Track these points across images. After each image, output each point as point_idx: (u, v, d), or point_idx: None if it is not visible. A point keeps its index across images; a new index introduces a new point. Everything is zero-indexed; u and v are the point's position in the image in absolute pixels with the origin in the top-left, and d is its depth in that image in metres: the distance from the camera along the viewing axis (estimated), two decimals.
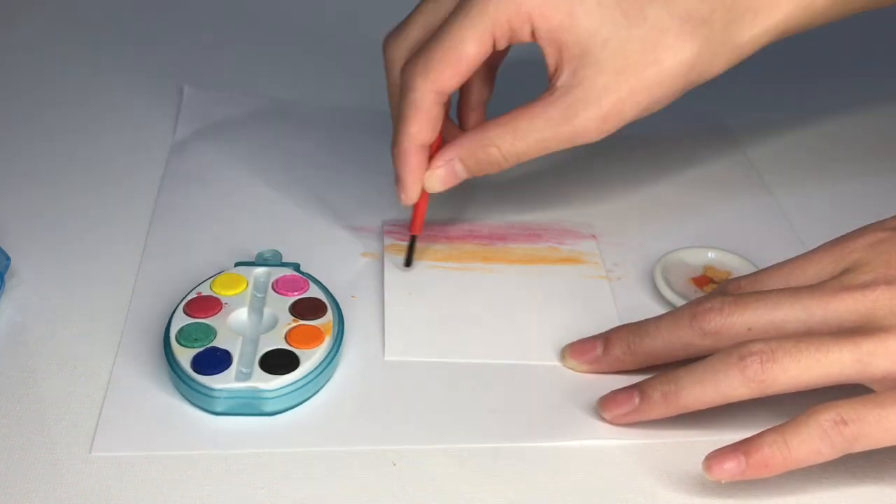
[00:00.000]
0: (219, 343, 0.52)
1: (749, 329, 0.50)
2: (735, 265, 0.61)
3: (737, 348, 0.48)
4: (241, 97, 0.76)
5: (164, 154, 0.70)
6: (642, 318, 0.54)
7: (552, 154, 0.57)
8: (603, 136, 0.56)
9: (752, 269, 0.59)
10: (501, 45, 0.56)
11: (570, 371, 0.55)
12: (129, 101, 0.76)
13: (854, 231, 0.52)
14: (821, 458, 0.46)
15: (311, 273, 0.57)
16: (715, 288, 0.57)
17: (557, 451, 0.51)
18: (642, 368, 0.54)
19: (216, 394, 0.50)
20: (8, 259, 0.58)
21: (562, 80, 0.55)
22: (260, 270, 0.57)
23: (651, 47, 0.55)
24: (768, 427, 0.47)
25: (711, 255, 0.62)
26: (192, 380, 0.51)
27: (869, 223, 0.53)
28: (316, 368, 0.52)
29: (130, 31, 0.85)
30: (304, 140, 0.72)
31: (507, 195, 0.67)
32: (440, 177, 0.58)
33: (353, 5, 0.87)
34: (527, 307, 0.59)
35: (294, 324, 0.54)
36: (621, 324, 0.55)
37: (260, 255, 0.59)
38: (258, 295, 0.56)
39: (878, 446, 0.47)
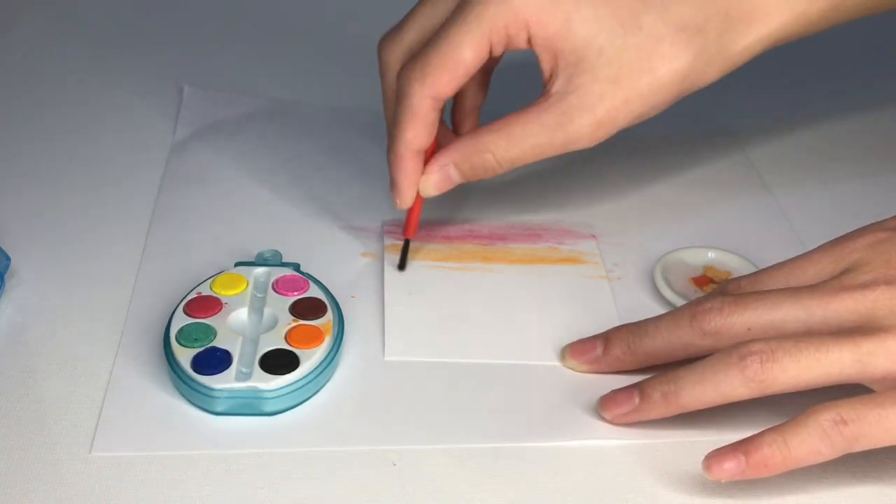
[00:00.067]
0: (219, 343, 0.52)
1: (749, 329, 0.50)
2: (735, 265, 0.61)
3: (737, 348, 0.48)
4: (241, 97, 0.76)
5: (164, 154, 0.70)
6: (642, 318, 0.54)
7: None
8: (596, 142, 0.57)
9: (752, 269, 0.59)
10: (498, 52, 0.56)
11: (570, 371, 0.55)
12: (129, 101, 0.76)
13: (854, 231, 0.52)
14: (820, 457, 0.46)
15: (311, 273, 0.57)
16: (715, 288, 0.57)
17: (557, 451, 0.51)
18: (642, 368, 0.54)
19: (216, 394, 0.50)
20: (8, 259, 0.58)
21: (556, 87, 0.56)
22: (260, 270, 0.57)
23: (646, 56, 0.55)
24: (768, 427, 0.47)
25: (711, 255, 0.62)
26: (192, 380, 0.51)
27: (869, 223, 0.53)
28: (316, 368, 0.52)
29: (130, 31, 0.85)
30: (304, 140, 0.72)
31: (507, 195, 0.67)
32: (435, 182, 0.58)
33: (353, 5, 0.87)
34: (527, 307, 0.59)
35: (294, 324, 0.54)
36: (621, 324, 0.55)
37: (260, 255, 0.59)
38: (258, 295, 0.56)
39: (878, 446, 0.47)
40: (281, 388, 0.51)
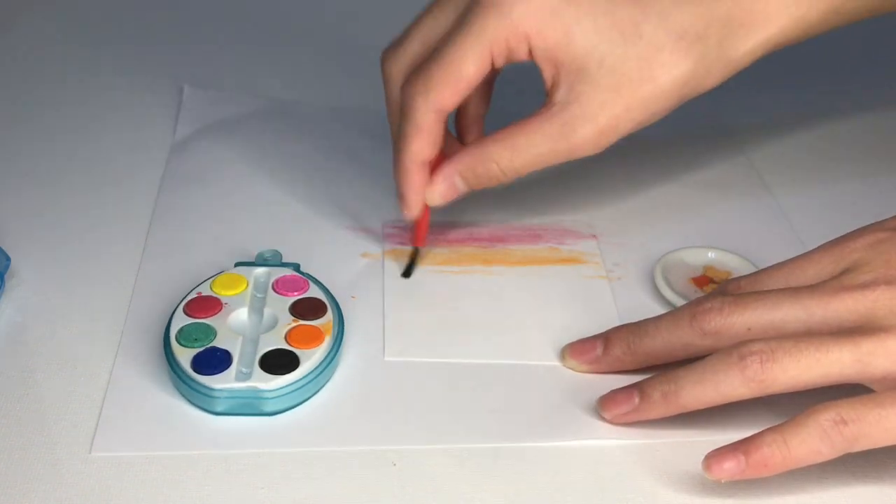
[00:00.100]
0: (219, 343, 0.52)
1: (749, 329, 0.50)
2: (735, 265, 0.61)
3: (737, 348, 0.48)
4: (241, 97, 0.76)
5: (164, 154, 0.70)
6: (642, 318, 0.54)
7: None
8: (600, 150, 0.57)
9: (752, 269, 0.59)
10: (499, 64, 0.56)
11: (570, 371, 0.55)
12: (129, 101, 0.76)
13: (854, 231, 0.52)
14: (820, 457, 0.46)
15: (311, 273, 0.57)
16: (715, 288, 0.57)
17: (557, 451, 0.51)
18: (642, 368, 0.54)
19: (216, 394, 0.50)
20: (8, 259, 0.58)
21: (559, 96, 0.56)
22: (260, 270, 0.57)
23: (646, 65, 0.55)
24: (768, 427, 0.47)
25: (711, 255, 0.62)
26: (192, 380, 0.51)
27: (869, 223, 0.53)
28: (316, 368, 0.52)
29: (130, 31, 0.85)
30: (304, 140, 0.72)
31: (506, 197, 0.67)
32: (441, 192, 0.59)
33: (353, 5, 0.87)
34: (527, 307, 0.59)
35: (294, 324, 0.54)
36: (621, 324, 0.55)
37: (260, 255, 0.59)
38: (258, 295, 0.56)
39: (878, 446, 0.47)
40: (281, 388, 0.51)
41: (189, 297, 0.55)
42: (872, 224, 0.53)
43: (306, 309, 0.55)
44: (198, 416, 0.51)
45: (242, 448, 0.50)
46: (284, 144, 0.71)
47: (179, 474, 0.48)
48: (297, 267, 0.58)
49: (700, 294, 0.59)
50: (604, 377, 0.54)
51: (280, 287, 0.56)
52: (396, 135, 0.58)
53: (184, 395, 0.52)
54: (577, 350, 0.55)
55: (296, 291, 0.56)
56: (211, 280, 0.56)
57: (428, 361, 0.55)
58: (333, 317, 0.54)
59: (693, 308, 0.51)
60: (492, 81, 0.62)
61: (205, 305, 0.54)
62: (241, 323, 0.54)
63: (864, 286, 0.49)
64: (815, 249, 0.53)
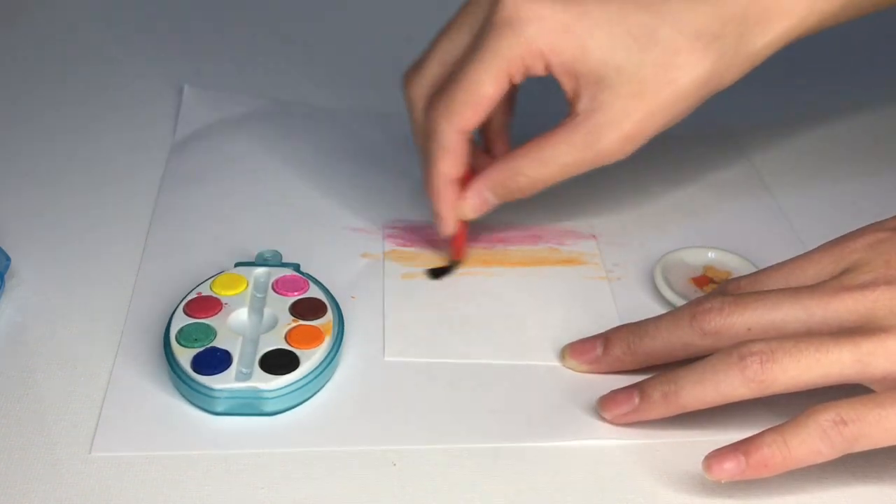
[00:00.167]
0: (219, 343, 0.52)
1: (749, 329, 0.50)
2: (735, 265, 0.61)
3: (737, 348, 0.48)
4: (241, 97, 0.76)
5: (164, 154, 0.70)
6: (642, 318, 0.54)
7: None
8: (625, 156, 0.58)
9: (752, 269, 0.59)
10: (518, 81, 0.57)
11: (570, 371, 0.55)
12: (129, 101, 0.76)
13: (854, 231, 0.52)
14: (820, 458, 0.46)
15: (311, 273, 0.57)
16: (715, 288, 0.57)
17: (557, 451, 0.51)
18: (642, 368, 0.54)
19: (216, 394, 0.50)
20: (8, 259, 0.58)
21: (582, 106, 0.56)
22: (260, 270, 0.57)
23: (665, 69, 0.55)
24: (768, 427, 0.47)
25: (711, 255, 0.62)
26: (192, 380, 0.51)
27: (869, 223, 0.53)
28: (316, 368, 0.52)
29: (131, 31, 0.85)
30: (304, 140, 0.72)
31: None
32: (473, 206, 0.59)
33: (353, 6, 0.87)
34: (527, 307, 0.59)
35: (294, 324, 0.54)
36: (621, 324, 0.55)
37: (260, 255, 0.59)
38: (258, 295, 0.56)
39: (878, 446, 0.47)
40: (281, 388, 0.51)
41: (189, 297, 0.55)
42: (872, 224, 0.53)
43: (306, 309, 0.55)
44: (198, 416, 0.51)
45: (242, 448, 0.50)
46: (284, 144, 0.71)
47: (179, 474, 0.48)
48: (297, 267, 0.58)
49: (700, 294, 0.59)
50: (604, 377, 0.54)
51: (280, 287, 0.56)
52: (424, 155, 0.59)
53: (184, 395, 0.52)
54: (577, 350, 0.55)
55: (296, 291, 0.56)
56: (211, 280, 0.56)
57: (428, 361, 0.55)
58: (333, 317, 0.54)
59: (693, 308, 0.51)
60: (514, 94, 0.62)
61: (205, 305, 0.54)
62: (241, 323, 0.54)
63: (864, 286, 0.49)
64: (815, 249, 0.53)
